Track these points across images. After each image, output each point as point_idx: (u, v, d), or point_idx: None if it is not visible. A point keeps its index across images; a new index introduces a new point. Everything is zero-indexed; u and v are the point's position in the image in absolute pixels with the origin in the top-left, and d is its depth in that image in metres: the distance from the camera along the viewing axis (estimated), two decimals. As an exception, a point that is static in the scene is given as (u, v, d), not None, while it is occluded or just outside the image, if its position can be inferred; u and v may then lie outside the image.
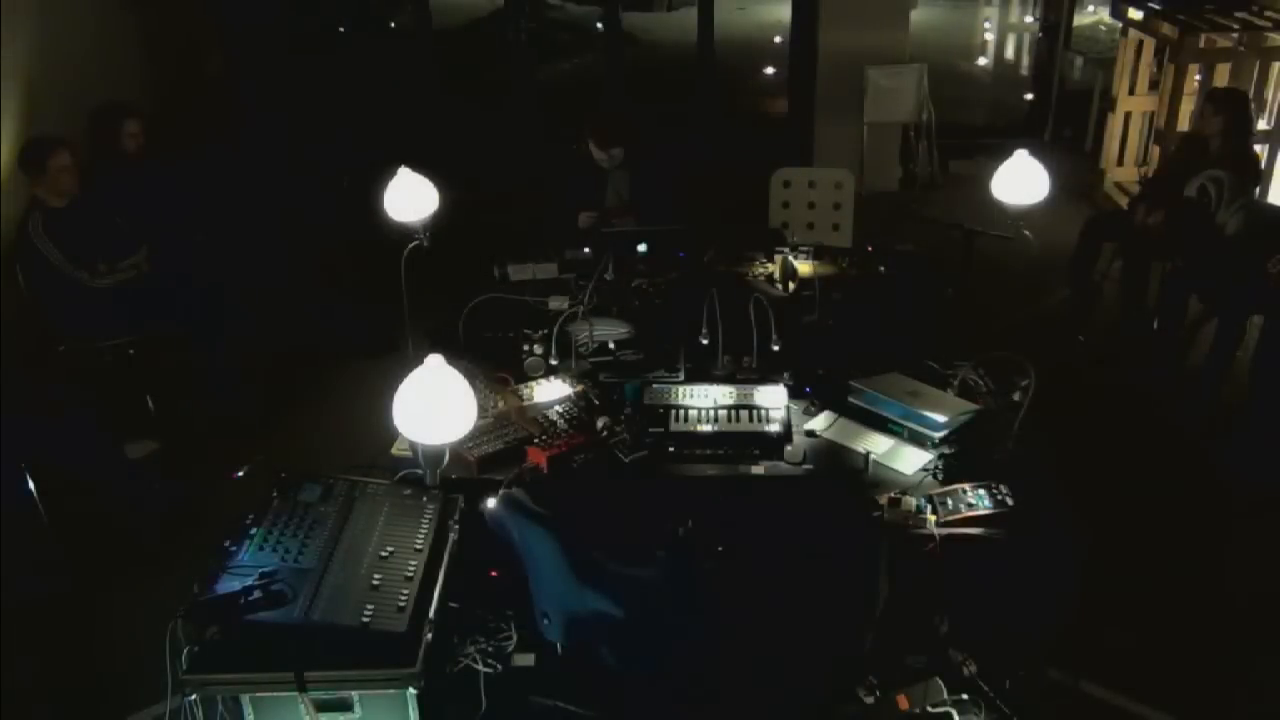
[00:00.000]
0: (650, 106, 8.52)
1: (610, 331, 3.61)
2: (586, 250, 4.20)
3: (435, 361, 2.63)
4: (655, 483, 3.02)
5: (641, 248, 4.13)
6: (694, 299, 3.46)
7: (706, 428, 3.18)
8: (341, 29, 8.74)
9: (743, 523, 2.95)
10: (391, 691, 2.38)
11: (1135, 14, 6.83)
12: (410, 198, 4.00)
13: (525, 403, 3.35)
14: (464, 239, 4.47)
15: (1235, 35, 5.95)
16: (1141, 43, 6.98)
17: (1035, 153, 4.04)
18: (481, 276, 4.08)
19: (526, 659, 2.93)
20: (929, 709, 2.92)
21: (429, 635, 2.44)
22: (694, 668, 2.81)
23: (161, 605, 2.38)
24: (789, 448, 3.06)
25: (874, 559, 2.87)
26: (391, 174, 4.00)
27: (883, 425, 3.19)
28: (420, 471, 2.83)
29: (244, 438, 4.40)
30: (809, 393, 3.36)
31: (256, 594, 2.39)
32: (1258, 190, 5.28)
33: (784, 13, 8.64)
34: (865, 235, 5.11)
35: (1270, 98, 6.30)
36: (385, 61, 8.80)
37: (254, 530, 2.60)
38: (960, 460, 3.02)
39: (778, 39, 11.65)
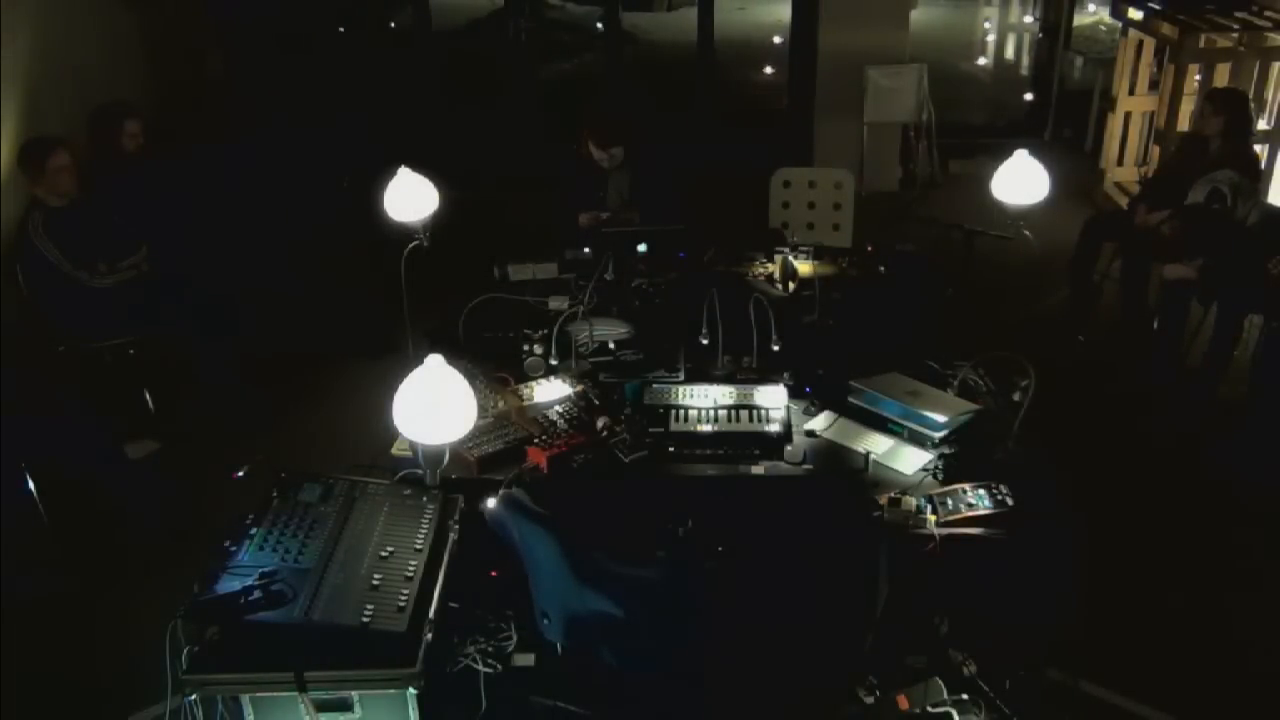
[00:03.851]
0: (650, 107, 8.52)
1: (610, 331, 3.61)
2: (586, 250, 4.20)
3: (435, 361, 2.63)
4: (655, 483, 3.02)
5: (641, 248, 4.13)
6: (694, 299, 3.46)
7: (706, 428, 3.18)
8: (341, 29, 8.74)
9: (743, 523, 2.95)
10: (391, 691, 2.38)
11: (1135, 14, 6.83)
12: (410, 198, 4.00)
13: (525, 403, 3.35)
14: (464, 239, 4.47)
15: (1235, 35, 5.95)
16: (1141, 43, 6.99)
17: (1035, 153, 4.05)
18: (481, 276, 4.08)
19: (526, 659, 2.93)
20: (929, 709, 2.92)
21: (429, 635, 2.44)
22: (694, 668, 2.81)
23: (161, 605, 2.38)
24: (789, 448, 3.06)
25: (874, 559, 2.87)
26: (391, 174, 4.00)
27: (883, 425, 3.19)
28: (420, 471, 2.83)
29: (244, 438, 4.40)
30: (809, 393, 3.36)
31: (256, 594, 2.39)
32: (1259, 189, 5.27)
33: (784, 13, 8.64)
34: (865, 235, 5.10)
35: (1270, 98, 6.30)
36: (385, 62, 8.80)
37: (254, 530, 2.60)
38: (960, 460, 3.02)
39: (778, 39, 11.64)
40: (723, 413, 3.25)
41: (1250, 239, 4.38)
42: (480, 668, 2.82)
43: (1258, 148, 5.52)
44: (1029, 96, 8.98)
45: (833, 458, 3.09)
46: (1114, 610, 3.46)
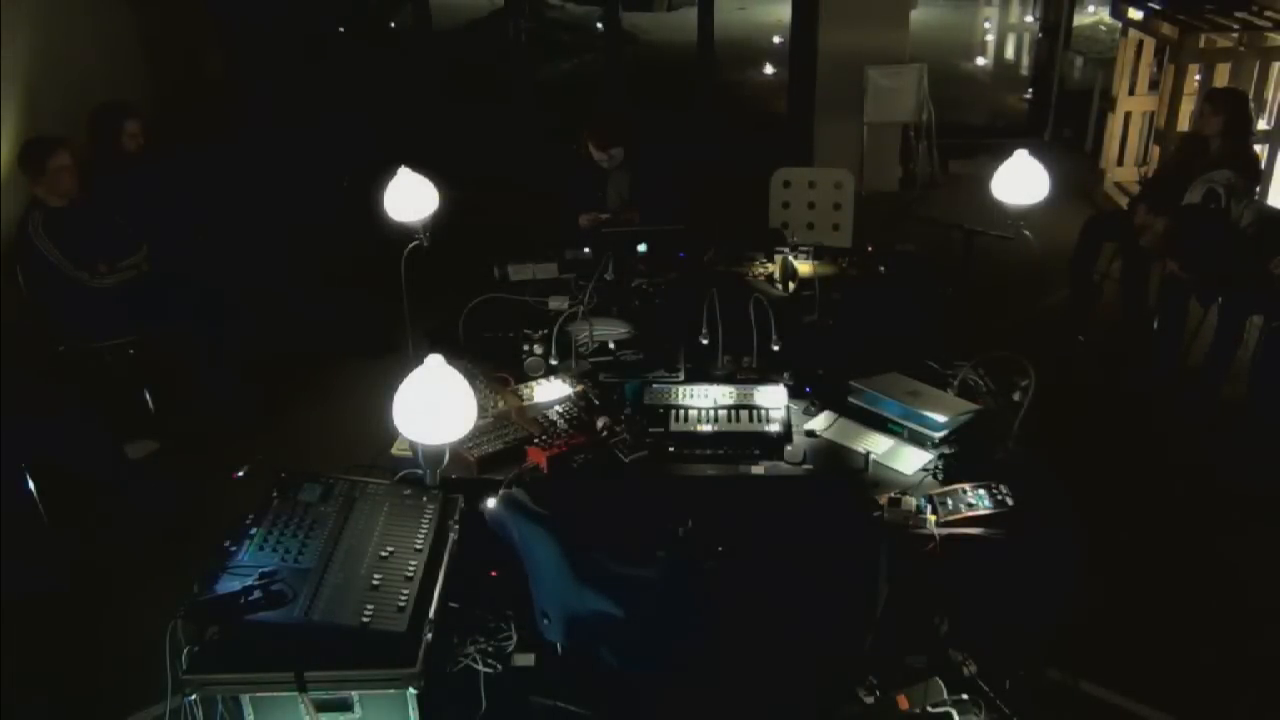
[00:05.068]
0: (650, 106, 8.52)
1: (610, 331, 3.62)
2: (586, 250, 4.21)
3: (435, 361, 2.63)
4: (655, 483, 3.02)
5: (641, 248, 4.13)
6: (694, 299, 3.46)
7: (706, 428, 3.18)
8: (341, 29, 8.74)
9: (743, 523, 2.95)
10: (391, 691, 2.38)
11: (1135, 14, 6.83)
12: (410, 198, 4.00)
13: (525, 403, 3.35)
14: (464, 239, 4.46)
15: (1235, 35, 5.95)
16: (1141, 43, 6.99)
17: (1035, 153, 4.05)
18: (481, 276, 4.08)
19: (526, 659, 2.93)
20: (929, 709, 2.92)
21: (429, 635, 2.44)
22: (694, 668, 2.81)
23: (161, 605, 2.38)
24: (789, 448, 3.06)
25: (874, 559, 2.87)
26: (391, 174, 4.00)
27: (883, 425, 3.19)
28: (420, 471, 2.83)
29: (244, 438, 4.40)
30: (809, 393, 3.36)
31: (256, 594, 2.39)
32: (1258, 190, 5.27)
33: (784, 13, 8.65)
34: (865, 235, 5.10)
35: (1270, 98, 6.30)
36: (385, 62, 8.81)
37: (254, 530, 2.60)
38: (960, 460, 3.02)
39: (778, 39, 11.65)
40: (723, 413, 3.25)
41: (1243, 240, 4.39)
42: (480, 668, 2.82)
43: (1258, 148, 5.51)
44: (1029, 96, 8.98)
45: (833, 458, 3.09)
46: (1114, 610, 3.46)
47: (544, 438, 3.09)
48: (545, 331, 3.52)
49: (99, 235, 4.46)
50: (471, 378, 2.85)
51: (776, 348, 3.40)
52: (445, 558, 2.67)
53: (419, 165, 4.06)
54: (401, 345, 4.21)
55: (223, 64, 7.02)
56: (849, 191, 5.30)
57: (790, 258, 4.12)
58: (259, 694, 2.40)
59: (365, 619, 2.38)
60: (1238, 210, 4.43)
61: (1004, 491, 2.84)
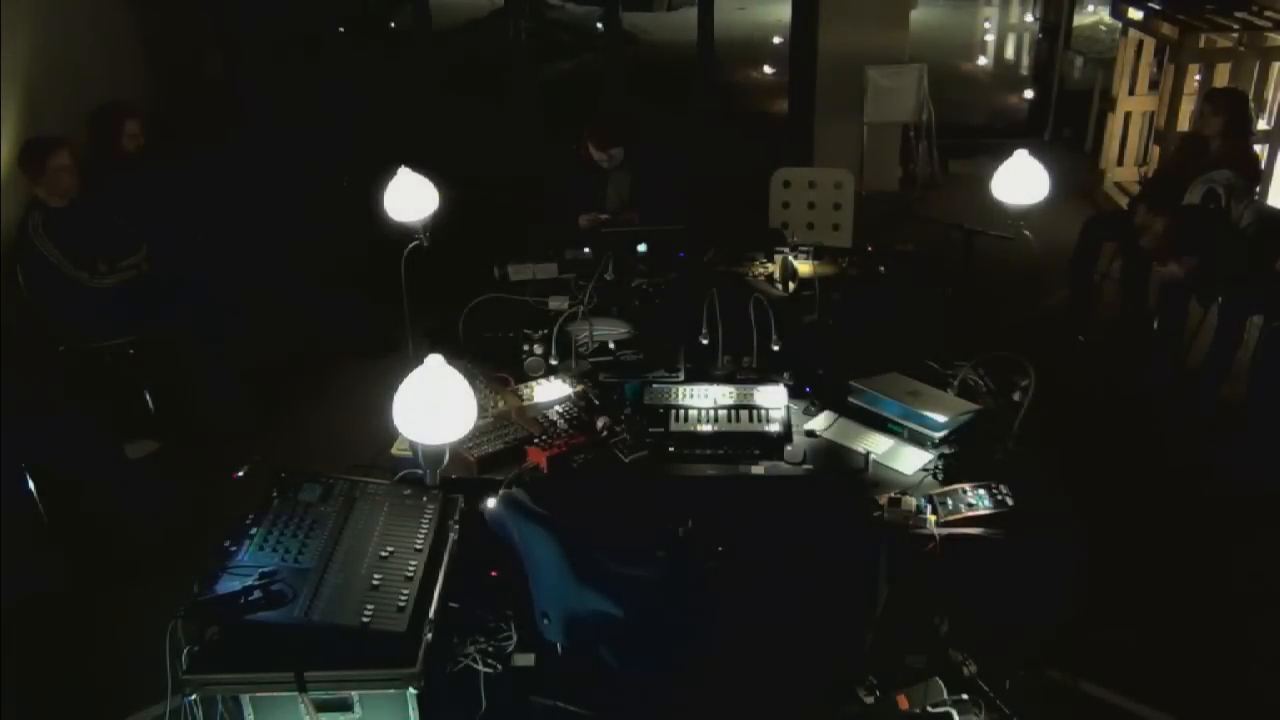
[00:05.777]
0: (650, 107, 8.52)
1: (610, 331, 3.62)
2: (586, 250, 4.21)
3: (435, 361, 2.63)
4: (655, 483, 3.02)
5: (641, 248, 4.14)
6: (694, 299, 3.46)
7: (706, 428, 3.18)
8: (341, 29, 8.74)
9: (743, 523, 2.95)
10: (391, 691, 2.38)
11: (1135, 14, 6.83)
12: (410, 198, 4.00)
13: (525, 403, 3.35)
14: (464, 239, 4.46)
15: (1235, 35, 5.95)
16: (1141, 43, 6.99)
17: (1035, 153, 4.05)
18: (481, 276, 4.08)
19: (526, 659, 2.93)
20: (929, 709, 2.92)
21: (429, 635, 2.44)
22: (694, 668, 2.81)
23: (161, 605, 2.38)
24: (789, 448, 3.06)
25: (874, 559, 2.87)
26: (391, 174, 4.00)
27: (883, 425, 3.19)
28: (420, 471, 2.83)
29: (244, 438, 4.40)
30: (809, 393, 3.36)
31: (256, 594, 2.39)
32: (1257, 190, 5.28)
33: (784, 13, 8.65)
34: (865, 235, 5.11)
35: (1270, 98, 6.30)
36: (385, 61, 8.81)
37: (254, 530, 2.60)
38: (960, 460, 3.02)
39: (778, 39, 11.65)
40: (723, 413, 3.25)
41: (1242, 240, 4.39)
42: (480, 668, 2.82)
43: (1258, 148, 5.52)
44: (1029, 96, 8.99)
45: (833, 458, 3.09)
46: (1114, 610, 3.46)
47: (544, 438, 3.09)
48: (545, 331, 3.52)
49: (99, 235, 4.46)
50: (471, 378, 2.85)
51: (776, 348, 3.40)
52: (445, 558, 2.67)
53: (419, 165, 4.06)
54: (401, 345, 4.21)
55: (223, 64, 7.02)
56: (849, 191, 5.30)
57: (790, 258, 4.12)
58: (259, 694, 2.40)
59: (365, 619, 2.38)
60: (1238, 210, 4.44)
61: (1004, 491, 2.84)
